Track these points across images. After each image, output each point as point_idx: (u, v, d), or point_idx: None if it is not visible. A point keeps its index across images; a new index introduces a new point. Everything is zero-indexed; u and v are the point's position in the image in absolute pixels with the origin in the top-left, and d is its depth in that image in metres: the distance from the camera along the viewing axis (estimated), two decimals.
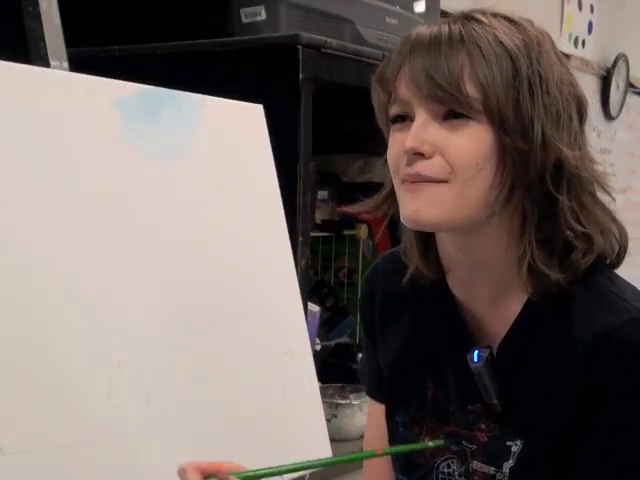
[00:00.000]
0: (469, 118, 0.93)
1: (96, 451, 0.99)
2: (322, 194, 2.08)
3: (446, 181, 0.93)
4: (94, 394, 1.00)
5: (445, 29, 0.95)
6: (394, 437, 1.11)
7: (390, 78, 0.98)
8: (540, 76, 0.94)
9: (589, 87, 3.90)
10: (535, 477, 0.98)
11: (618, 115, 4.11)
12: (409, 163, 0.95)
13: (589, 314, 0.96)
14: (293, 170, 1.55)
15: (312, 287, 2.15)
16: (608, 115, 4.04)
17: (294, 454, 1.19)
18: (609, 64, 4.00)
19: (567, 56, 3.63)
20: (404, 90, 0.96)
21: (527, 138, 0.93)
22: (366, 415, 1.21)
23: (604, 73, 3.99)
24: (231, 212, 1.23)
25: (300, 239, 1.55)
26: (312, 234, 1.72)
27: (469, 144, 0.93)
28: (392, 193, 1.02)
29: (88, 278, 1.03)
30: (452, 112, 0.93)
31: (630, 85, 4.18)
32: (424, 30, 0.96)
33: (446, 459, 1.05)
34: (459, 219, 0.95)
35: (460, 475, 1.04)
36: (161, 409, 1.06)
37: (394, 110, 0.98)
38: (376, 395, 1.18)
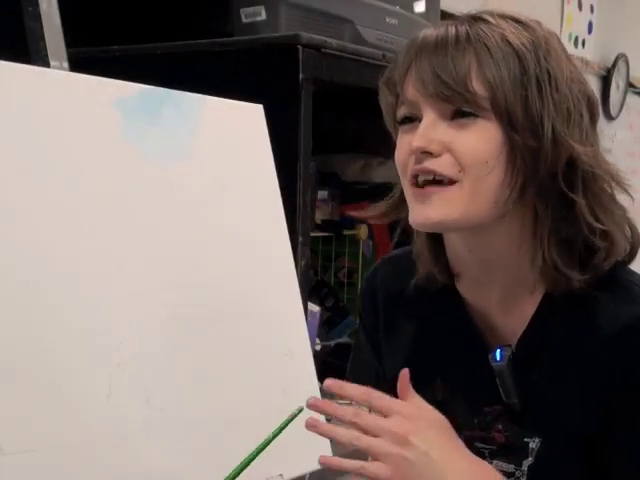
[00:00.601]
0: (477, 116, 0.93)
1: (96, 451, 0.99)
2: (322, 194, 2.08)
3: (455, 181, 0.93)
4: (94, 394, 1.00)
5: (452, 30, 0.95)
6: None
7: (397, 80, 0.97)
8: (549, 74, 0.94)
9: None
10: (554, 475, 0.98)
11: (618, 115, 4.11)
12: (417, 161, 0.94)
13: (613, 308, 0.96)
14: (293, 170, 1.54)
15: (312, 287, 2.14)
16: (608, 115, 4.04)
17: (294, 454, 1.19)
18: (609, 64, 4.00)
19: None
20: (411, 91, 0.95)
21: (537, 135, 0.92)
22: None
23: (604, 73, 3.99)
24: (231, 212, 1.23)
25: (300, 239, 1.55)
26: (312, 234, 1.72)
27: (478, 142, 0.93)
28: (400, 200, 1.02)
29: (88, 278, 1.03)
30: (460, 111, 0.93)
31: (630, 85, 4.18)
32: (431, 32, 0.96)
33: None
34: (470, 219, 0.94)
35: None
36: (161, 409, 1.06)
37: (402, 111, 0.98)
38: None
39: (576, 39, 3.71)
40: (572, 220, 0.95)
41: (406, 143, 0.96)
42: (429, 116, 0.94)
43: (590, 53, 3.83)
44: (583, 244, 0.96)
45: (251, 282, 1.24)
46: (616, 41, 4.05)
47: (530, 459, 0.99)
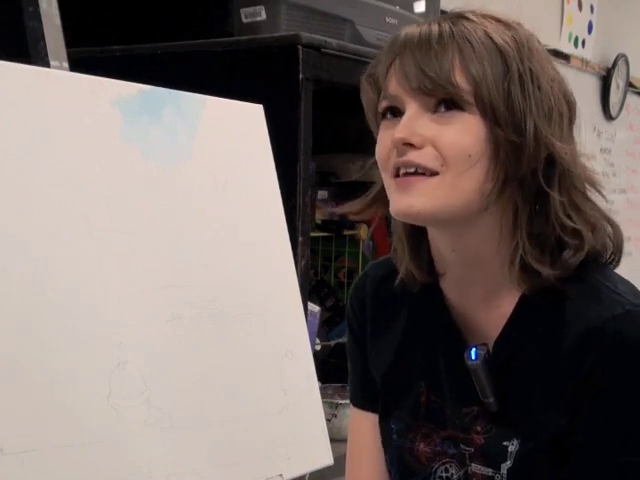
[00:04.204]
0: (461, 110, 0.93)
1: (96, 451, 0.99)
2: (322, 194, 2.08)
3: (437, 173, 0.93)
4: (94, 394, 1.00)
5: (435, 27, 0.95)
6: (388, 445, 1.10)
7: (380, 75, 0.98)
8: (531, 72, 0.94)
9: (589, 87, 3.90)
10: (533, 477, 0.98)
11: (618, 115, 4.11)
12: (400, 153, 0.94)
13: (582, 309, 0.96)
14: (293, 170, 1.55)
15: (312, 287, 2.15)
16: (608, 115, 4.05)
17: (294, 454, 1.19)
18: (609, 64, 4.01)
19: (567, 56, 3.63)
20: (394, 85, 0.96)
21: (519, 131, 0.93)
22: None
23: (604, 73, 4.00)
24: (231, 212, 1.23)
25: (300, 239, 1.55)
26: (312, 234, 1.72)
27: (461, 135, 0.93)
28: (381, 193, 1.02)
29: (88, 278, 1.03)
30: (443, 103, 0.93)
31: (630, 85, 4.18)
32: (414, 29, 0.97)
33: (444, 463, 1.05)
34: (452, 211, 0.94)
35: (459, 479, 1.03)
36: (161, 409, 1.06)
37: (383, 104, 0.98)
38: (361, 404, 1.17)
39: (576, 39, 3.71)
40: (545, 216, 0.96)
41: (388, 136, 0.96)
42: (412, 108, 0.94)
43: (590, 53, 3.83)
44: (555, 241, 0.97)
45: (251, 282, 1.24)
46: (616, 41, 4.05)
47: (509, 462, 0.99)
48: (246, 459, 1.15)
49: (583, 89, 3.77)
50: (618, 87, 4.07)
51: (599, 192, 0.99)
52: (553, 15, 3.48)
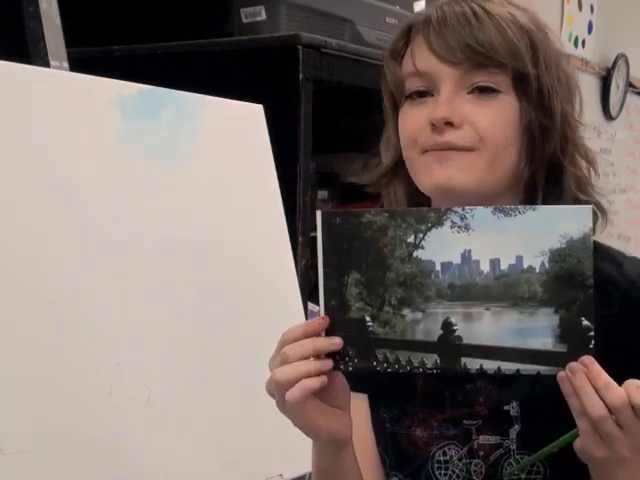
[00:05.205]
0: (497, 92, 0.95)
1: (96, 451, 0.99)
2: (322, 194, 2.08)
3: (474, 149, 0.95)
4: (94, 394, 1.00)
5: (465, 6, 0.97)
6: (381, 435, 1.09)
7: (411, 52, 0.98)
8: (553, 54, 0.97)
9: (589, 87, 3.89)
10: (543, 438, 0.97)
11: (618, 115, 4.11)
12: (439, 132, 0.95)
13: (596, 267, 0.98)
14: (293, 170, 1.55)
15: (312, 287, 2.14)
16: (608, 115, 4.04)
17: (294, 454, 1.19)
18: (609, 64, 4.00)
19: (567, 56, 3.62)
20: (432, 61, 0.96)
21: (549, 113, 0.96)
22: None
23: (604, 73, 3.99)
24: (231, 212, 1.23)
25: (300, 239, 1.55)
26: (312, 234, 1.72)
27: (498, 116, 0.95)
28: (393, 168, 1.03)
29: (88, 278, 1.03)
30: (480, 86, 0.95)
31: (630, 85, 4.18)
32: (441, 7, 0.97)
33: (442, 447, 1.04)
34: (485, 186, 0.96)
35: (460, 459, 1.03)
36: (161, 409, 1.06)
37: (415, 83, 0.98)
38: (355, 386, 1.17)
39: (576, 39, 3.71)
40: (560, 191, 0.98)
41: (419, 114, 0.97)
42: (448, 88, 0.96)
43: (590, 53, 3.83)
44: None
45: (251, 282, 1.24)
46: (616, 41, 4.05)
47: (517, 426, 0.99)
48: (246, 459, 1.15)
49: (583, 89, 3.76)
50: (618, 87, 4.06)
51: (594, 169, 1.03)
52: (553, 15, 3.47)
